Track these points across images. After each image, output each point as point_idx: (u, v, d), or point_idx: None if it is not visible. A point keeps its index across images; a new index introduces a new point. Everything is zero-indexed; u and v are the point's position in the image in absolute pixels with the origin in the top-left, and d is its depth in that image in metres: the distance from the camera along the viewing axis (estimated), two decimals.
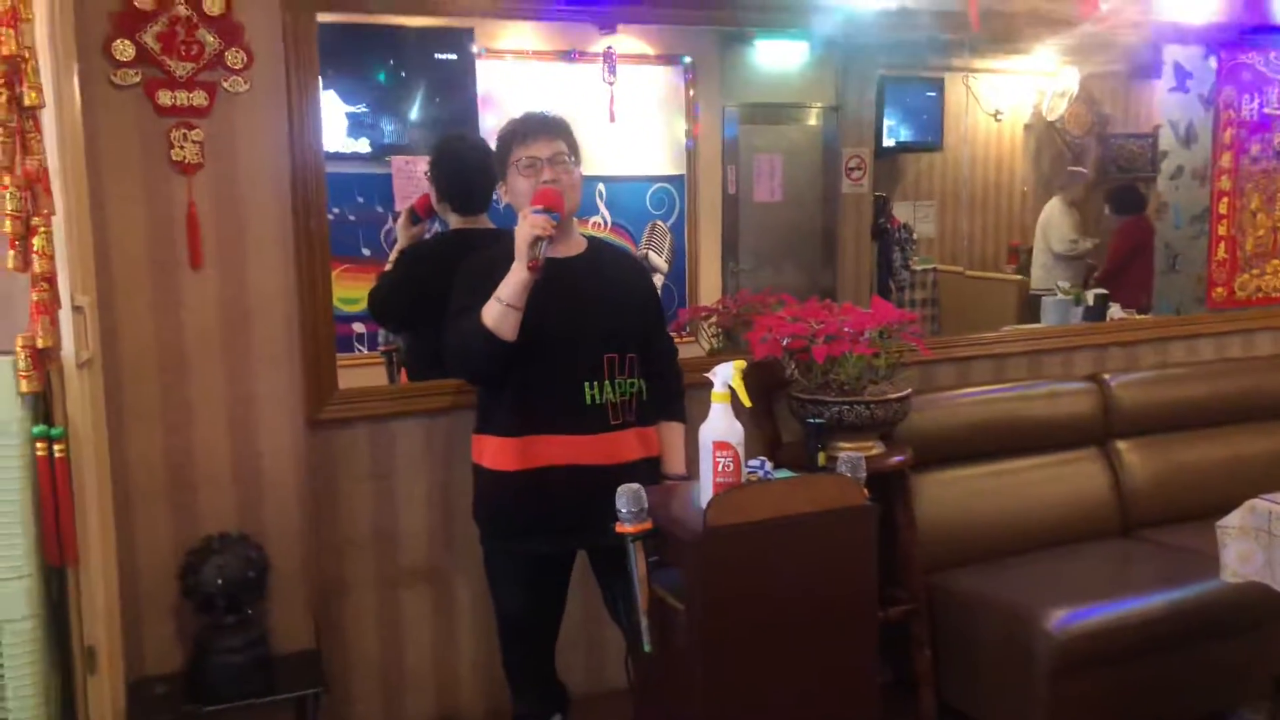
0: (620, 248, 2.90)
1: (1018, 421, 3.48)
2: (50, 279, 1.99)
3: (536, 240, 2.26)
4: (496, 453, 2.46)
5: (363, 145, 5.15)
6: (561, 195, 2.36)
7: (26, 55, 1.91)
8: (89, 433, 2.23)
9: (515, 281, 2.30)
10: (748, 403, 2.01)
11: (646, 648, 2.01)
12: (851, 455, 2.10)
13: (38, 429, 2.00)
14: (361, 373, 3.60)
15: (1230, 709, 3.06)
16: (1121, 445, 3.64)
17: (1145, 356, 4.00)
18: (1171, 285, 4.38)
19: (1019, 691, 2.80)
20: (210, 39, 2.57)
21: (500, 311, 2.30)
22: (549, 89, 5.49)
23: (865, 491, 2.05)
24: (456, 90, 5.30)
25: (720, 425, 2.00)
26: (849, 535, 2.01)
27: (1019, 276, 7.11)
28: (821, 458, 2.49)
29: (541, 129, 2.45)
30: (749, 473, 2.04)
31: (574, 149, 2.49)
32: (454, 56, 5.32)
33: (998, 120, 7.72)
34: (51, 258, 1.99)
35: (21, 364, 1.96)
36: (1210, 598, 2.88)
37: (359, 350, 4.95)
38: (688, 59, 5.96)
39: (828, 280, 6.57)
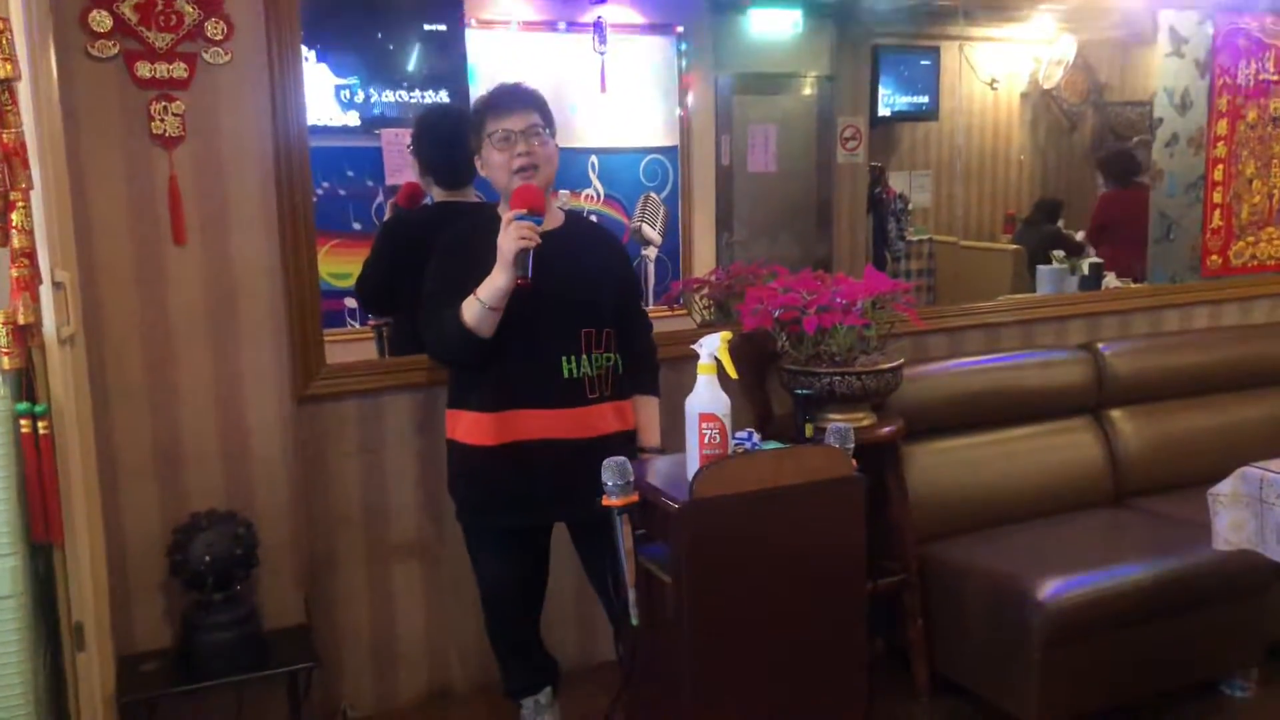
0: (596, 223, 2.87)
1: (1010, 391, 3.46)
2: (30, 254, 1.97)
3: (523, 253, 2.25)
4: (471, 427, 2.46)
5: (352, 118, 5.09)
6: (543, 194, 2.36)
7: (0, 27, 1.88)
8: (73, 409, 2.21)
9: (498, 287, 2.30)
10: (734, 374, 1.99)
11: (634, 621, 2.00)
12: (840, 426, 2.08)
13: (21, 406, 1.98)
14: (353, 347, 3.57)
15: (1222, 676, 3.07)
16: (1115, 414, 3.62)
17: (1139, 325, 3.99)
18: (1166, 253, 4.35)
19: (1011, 661, 2.80)
20: (189, 9, 2.53)
21: (480, 312, 2.31)
22: (539, 59, 5.43)
23: (854, 462, 2.03)
24: (446, 61, 5.22)
25: (706, 397, 1.98)
26: (837, 506, 2.00)
27: (1015, 246, 7.08)
28: (809, 429, 2.47)
29: (515, 101, 2.43)
30: (736, 445, 2.03)
31: (548, 120, 2.47)
32: (443, 27, 5.24)
33: (994, 89, 7.66)
34: (30, 233, 1.96)
35: (2, 340, 1.93)
36: (1202, 566, 2.87)
37: (351, 325, 4.92)
38: (680, 28, 5.89)
39: (823, 251, 6.54)
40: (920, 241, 7.18)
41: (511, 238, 2.26)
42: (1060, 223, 6.68)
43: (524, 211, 2.29)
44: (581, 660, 3.18)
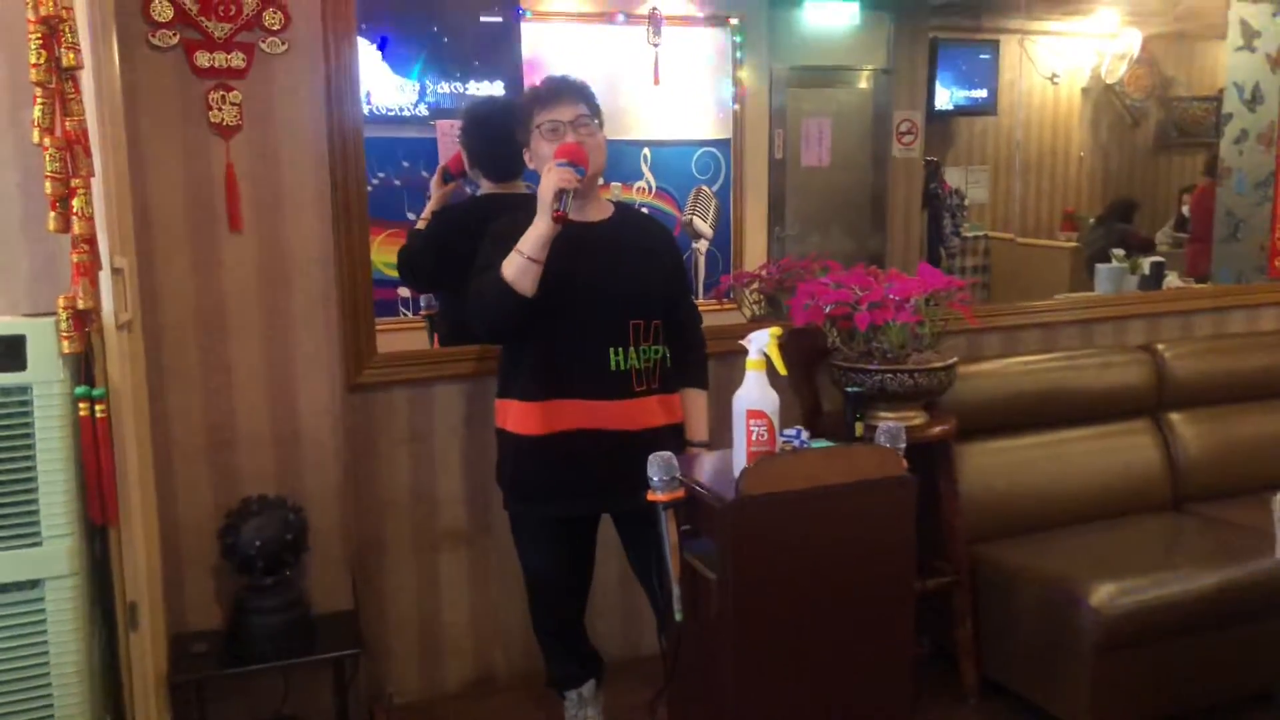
0: (646, 214, 2.85)
1: (1067, 391, 3.40)
2: (90, 240, 2.01)
3: (561, 192, 2.25)
4: (520, 417, 2.46)
5: (420, 109, 5.12)
6: (585, 150, 2.35)
7: (64, 16, 1.91)
8: (129, 394, 2.24)
9: (537, 234, 2.28)
10: (783, 370, 1.97)
11: (678, 616, 1.99)
12: (891, 425, 2.05)
13: (80, 389, 2.02)
14: (405, 336, 3.60)
15: (1278, 687, 2.99)
16: (1174, 417, 3.55)
17: (1202, 326, 3.89)
18: (1233, 253, 4.25)
19: (1063, 667, 2.75)
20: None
21: (520, 264, 2.29)
22: (593, 52, 5.42)
23: (904, 462, 2.00)
24: (501, 53, 5.25)
25: (754, 393, 1.96)
26: (887, 507, 1.97)
27: (1073, 244, 6.96)
28: (859, 428, 2.44)
29: (563, 92, 2.43)
30: (784, 442, 2.00)
31: (596, 111, 2.47)
32: (499, 19, 5.27)
33: (1054, 83, 7.54)
34: (91, 219, 2.00)
35: (63, 325, 1.98)
36: (1262, 575, 2.80)
37: (404, 314, 4.95)
38: (735, 20, 5.85)
39: (876, 246, 6.48)
40: (976, 238, 7.08)
41: (551, 179, 2.26)
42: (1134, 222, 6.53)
43: (565, 162, 2.29)
44: (626, 652, 3.18)
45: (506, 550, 2.81)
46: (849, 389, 2.67)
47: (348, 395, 2.81)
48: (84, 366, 2.05)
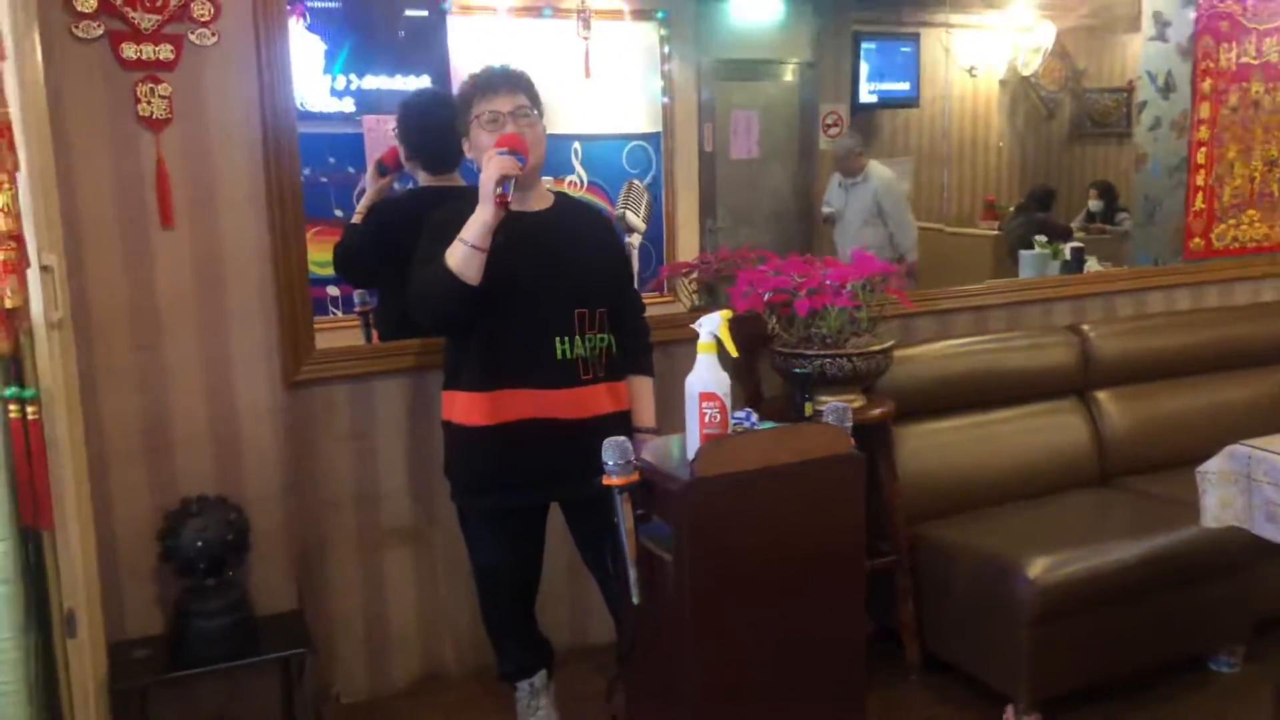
0: (587, 203, 2.86)
1: (998, 373, 3.47)
2: (17, 237, 1.94)
3: (504, 178, 2.24)
4: (467, 408, 2.45)
5: (347, 104, 5.06)
6: (525, 140, 2.34)
7: None
8: (61, 394, 2.19)
9: (480, 221, 2.27)
10: (734, 353, 1.99)
11: (635, 599, 2.00)
12: (838, 405, 2.09)
13: (9, 390, 1.95)
14: (336, 335, 3.49)
15: (1209, 652, 3.10)
16: (1101, 395, 3.65)
17: (1124, 307, 4.01)
18: (1150, 236, 4.38)
19: (1002, 640, 2.82)
20: None
21: (464, 253, 2.27)
22: (522, 46, 5.39)
23: (852, 440, 2.04)
24: (428, 48, 5.21)
25: (706, 376, 1.98)
26: (837, 484, 2.00)
27: (995, 232, 7.10)
28: (808, 408, 2.48)
29: (502, 82, 2.42)
30: (735, 424, 2.03)
31: (536, 101, 2.46)
32: (425, 13, 5.23)
33: (973, 76, 7.67)
34: (17, 216, 1.93)
35: None
36: (1189, 543, 2.90)
37: (334, 313, 4.87)
38: (662, 14, 5.87)
39: (805, 237, 6.54)
40: None
41: (493, 166, 2.25)
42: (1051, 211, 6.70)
43: (506, 150, 2.28)
44: (575, 641, 3.18)
45: (453, 544, 2.81)
46: (796, 371, 2.70)
47: (287, 392, 2.77)
48: (13, 367, 1.98)
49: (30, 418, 1.97)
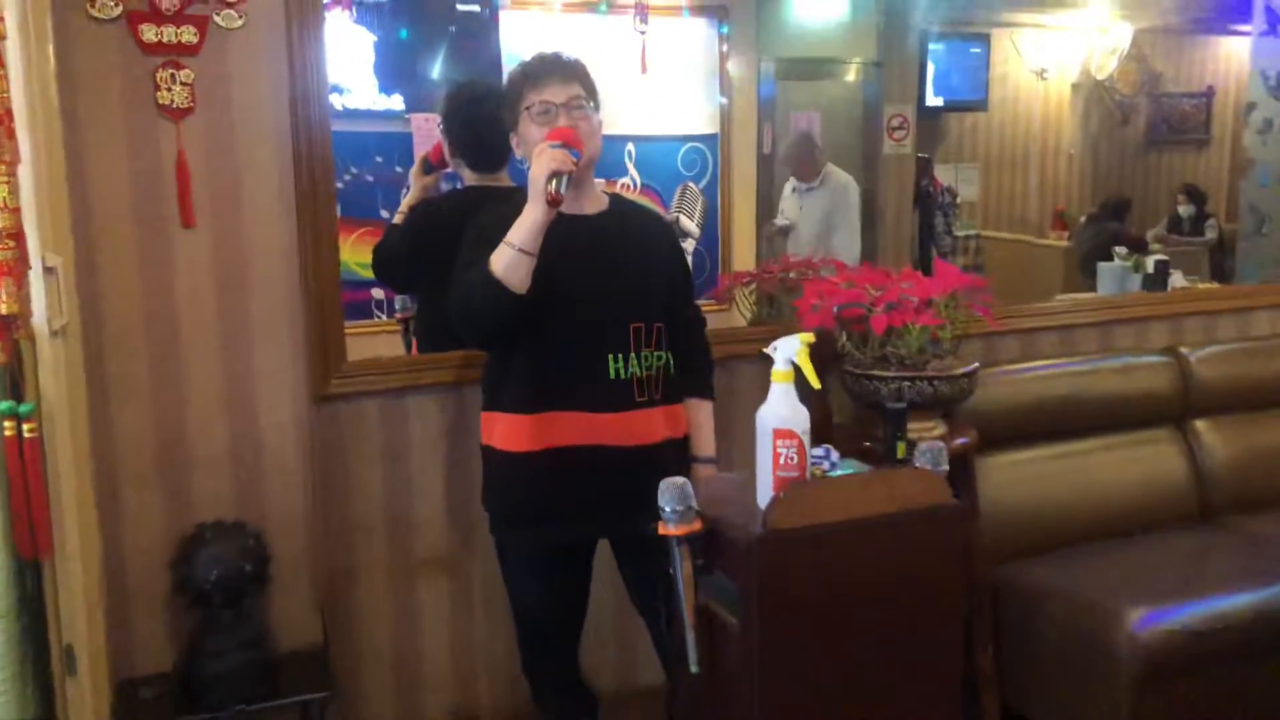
0: (644, 207, 2.65)
1: (1087, 399, 3.22)
2: (16, 235, 1.79)
3: (555, 174, 2.03)
4: (509, 432, 2.24)
5: (396, 101, 4.93)
6: (579, 134, 2.14)
7: None
8: (65, 409, 2.02)
9: (529, 223, 2.06)
10: (816, 384, 1.73)
11: (694, 668, 1.74)
12: (932, 445, 1.82)
13: (4, 405, 1.79)
14: (379, 340, 3.40)
15: None
16: (1200, 425, 3.38)
17: (1225, 328, 3.71)
18: (1257, 250, 4.08)
19: (1096, 697, 2.57)
20: None
21: (511, 257, 2.06)
22: (576, 41, 5.23)
23: (949, 488, 1.77)
24: (480, 44, 5.07)
25: (782, 410, 1.72)
26: (933, 539, 1.74)
27: (1065, 243, 6.87)
28: (901, 449, 2.21)
29: (555, 71, 2.22)
30: (813, 464, 1.77)
31: (591, 93, 2.26)
32: (477, 8, 5.10)
33: (1043, 79, 7.45)
34: (17, 211, 1.79)
35: None
36: None
37: (378, 317, 4.74)
38: (724, 28, 5.67)
39: (867, 245, 6.31)
40: (967, 237, 6.96)
41: (544, 160, 2.04)
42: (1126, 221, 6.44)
43: (559, 144, 2.08)
44: (621, 685, 2.96)
45: (489, 577, 2.62)
46: (891, 406, 2.43)
47: (314, 408, 2.58)
48: (10, 379, 1.83)
49: (27, 435, 1.82)
